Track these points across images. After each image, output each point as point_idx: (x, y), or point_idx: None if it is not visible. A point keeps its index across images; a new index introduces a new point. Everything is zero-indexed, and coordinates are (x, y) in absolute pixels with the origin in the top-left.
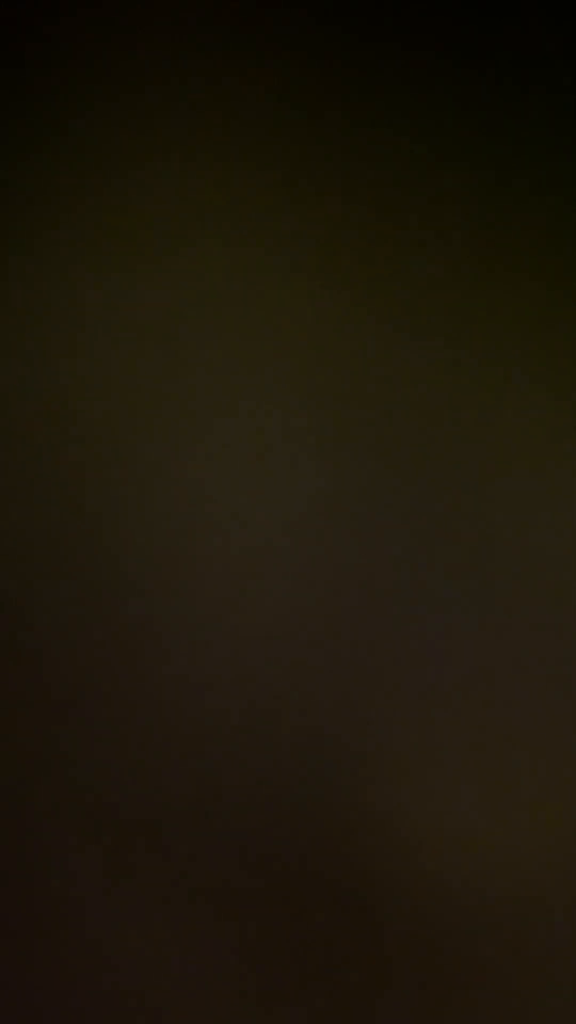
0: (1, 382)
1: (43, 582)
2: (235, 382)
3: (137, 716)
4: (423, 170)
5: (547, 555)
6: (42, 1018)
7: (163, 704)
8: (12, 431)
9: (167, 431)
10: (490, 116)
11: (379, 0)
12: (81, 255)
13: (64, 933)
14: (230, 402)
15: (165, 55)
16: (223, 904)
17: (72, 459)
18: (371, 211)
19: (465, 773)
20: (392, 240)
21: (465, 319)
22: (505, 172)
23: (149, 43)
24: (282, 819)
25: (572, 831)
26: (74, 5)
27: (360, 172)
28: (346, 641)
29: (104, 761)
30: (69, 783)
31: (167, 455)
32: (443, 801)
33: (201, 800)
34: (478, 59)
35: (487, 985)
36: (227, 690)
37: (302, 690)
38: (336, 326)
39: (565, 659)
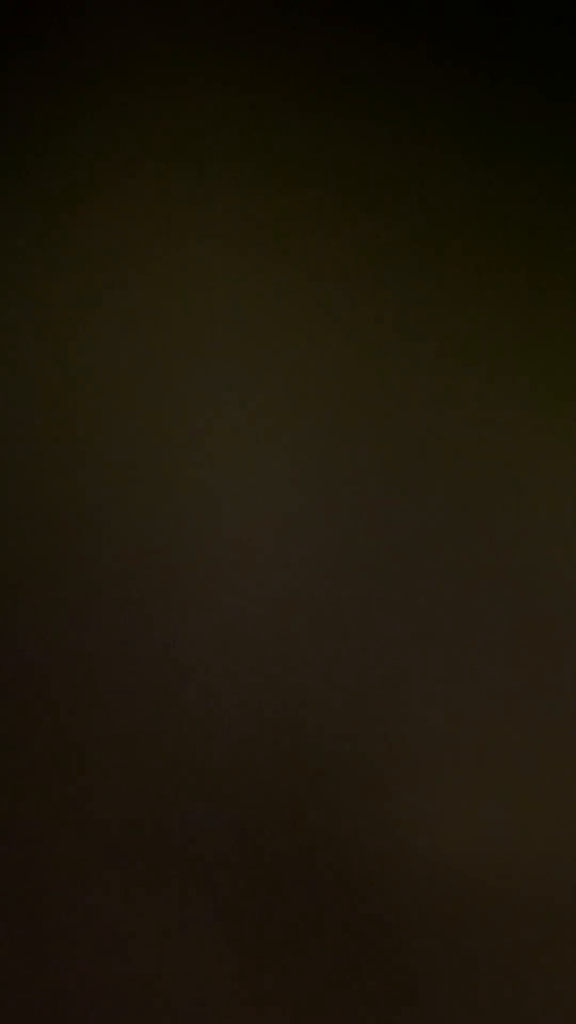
0: (2, 380)
1: (42, 579)
2: (236, 381)
3: (136, 715)
4: (425, 174)
5: (549, 555)
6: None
7: (163, 705)
8: (12, 429)
9: (167, 430)
10: (492, 117)
11: (380, 0)
12: (84, 256)
13: (73, 942)
14: (230, 402)
15: (166, 56)
16: (227, 906)
17: (73, 457)
18: (372, 215)
19: (467, 772)
20: (393, 243)
21: (467, 324)
22: (506, 176)
23: (149, 44)
24: (285, 818)
25: (573, 830)
26: (73, 6)
27: (364, 178)
28: (347, 641)
29: (105, 763)
30: (71, 786)
31: (167, 455)
32: (446, 801)
33: (203, 802)
34: (480, 60)
35: (489, 983)
36: (228, 690)
37: (302, 689)
38: (336, 327)
39: (566, 655)
